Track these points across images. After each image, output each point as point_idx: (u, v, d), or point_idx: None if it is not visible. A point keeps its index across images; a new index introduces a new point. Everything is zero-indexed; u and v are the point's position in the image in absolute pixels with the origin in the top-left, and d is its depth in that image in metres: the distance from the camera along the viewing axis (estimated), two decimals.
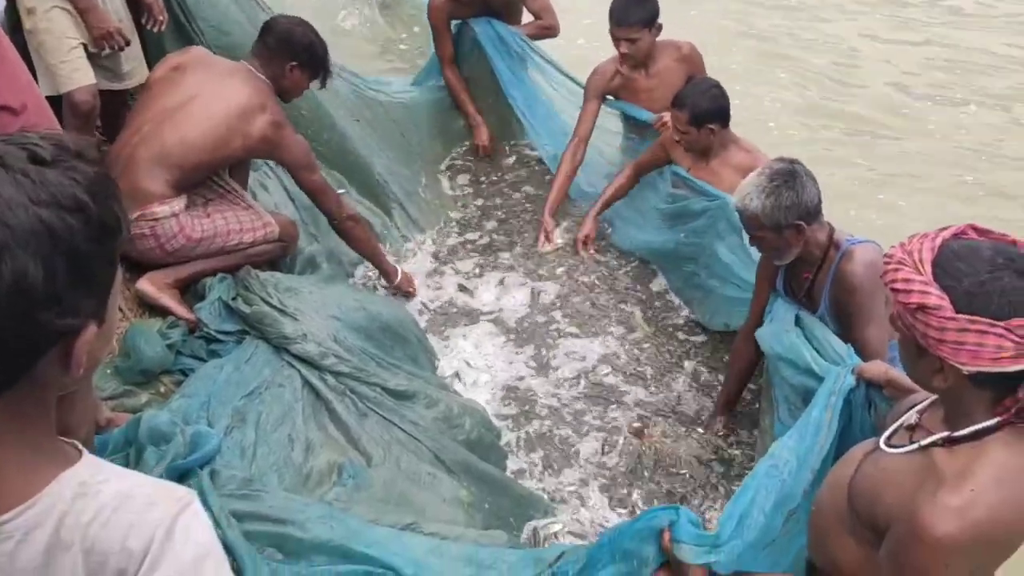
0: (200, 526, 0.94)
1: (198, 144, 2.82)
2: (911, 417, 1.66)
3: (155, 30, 3.31)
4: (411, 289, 3.58)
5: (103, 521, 0.91)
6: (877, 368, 2.04)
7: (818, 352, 2.36)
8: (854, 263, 2.47)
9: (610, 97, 4.09)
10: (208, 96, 2.88)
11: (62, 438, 0.99)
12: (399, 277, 3.50)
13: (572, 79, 4.38)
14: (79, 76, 2.95)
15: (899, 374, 1.94)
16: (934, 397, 1.63)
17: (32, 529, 0.90)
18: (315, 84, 3.21)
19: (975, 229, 1.48)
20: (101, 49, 3.06)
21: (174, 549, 0.91)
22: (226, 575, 0.95)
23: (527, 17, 4.56)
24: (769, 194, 2.46)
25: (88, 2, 2.97)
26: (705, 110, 3.34)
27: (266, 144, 2.96)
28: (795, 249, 2.55)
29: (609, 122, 4.32)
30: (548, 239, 4.01)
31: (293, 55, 3.04)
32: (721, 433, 3.07)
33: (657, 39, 3.84)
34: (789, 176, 2.48)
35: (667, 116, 3.78)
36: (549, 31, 4.45)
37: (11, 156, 0.86)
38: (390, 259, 3.56)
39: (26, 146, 0.88)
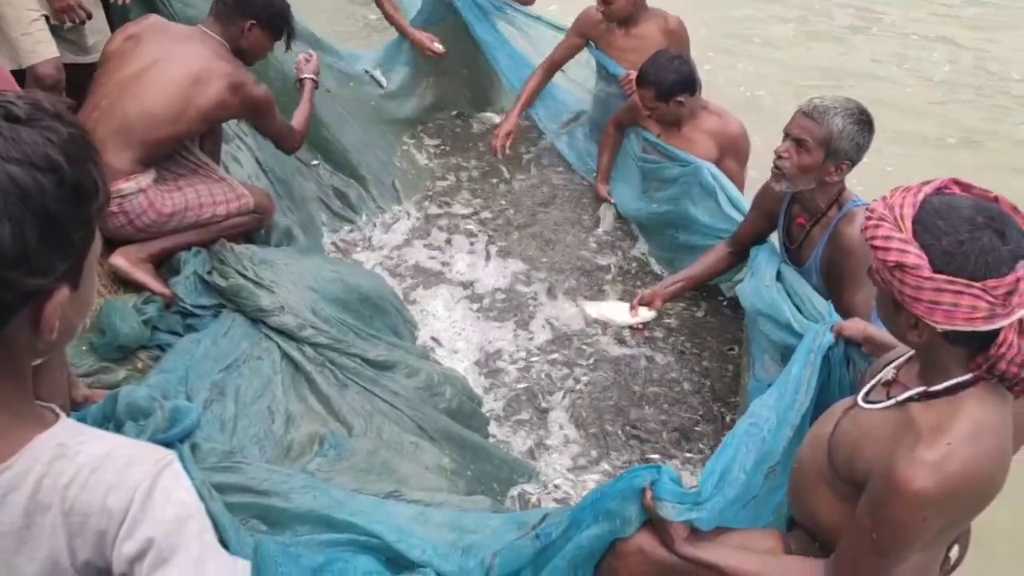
0: (181, 486, 0.95)
1: (159, 115, 2.74)
2: (888, 373, 1.68)
3: (120, 2, 3.24)
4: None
5: (82, 482, 0.91)
6: (856, 326, 2.05)
7: (798, 309, 2.37)
8: (853, 226, 2.45)
9: (591, 43, 4.09)
10: (163, 65, 2.78)
11: (39, 402, 0.98)
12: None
13: (558, 26, 4.35)
14: (42, 49, 2.89)
15: (877, 332, 1.95)
16: (911, 353, 1.65)
17: (9, 491, 0.90)
18: (279, 47, 3.10)
19: (958, 184, 1.48)
20: (62, 22, 3.00)
21: (154, 509, 0.91)
22: (210, 538, 0.95)
23: None
24: (856, 123, 2.42)
25: None
26: (671, 83, 3.35)
27: (225, 108, 2.85)
28: (816, 181, 2.52)
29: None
30: (502, 142, 4.10)
31: (250, 13, 2.93)
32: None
33: (649, 6, 3.87)
34: (871, 122, 2.46)
35: (633, 74, 3.80)
36: (525, 0, 4.43)
37: None
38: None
39: (2, 103, 0.86)
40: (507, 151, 4.12)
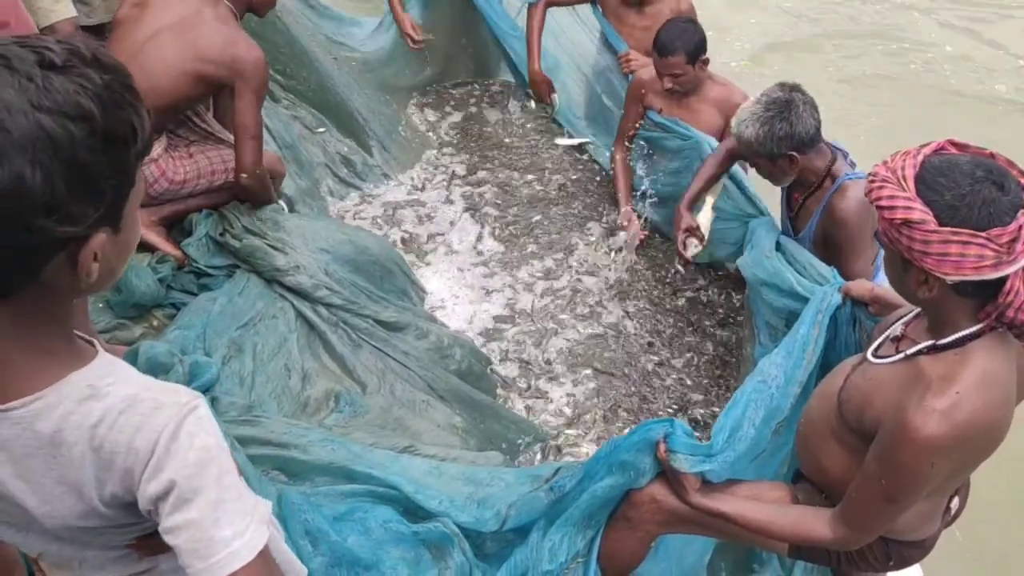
0: (204, 431, 0.98)
1: (163, 83, 2.72)
2: (897, 329, 1.74)
3: None
4: None
5: (110, 423, 0.94)
6: (863, 286, 2.11)
7: (801, 275, 2.43)
8: (847, 199, 2.51)
9: (600, 8, 4.07)
10: (167, 31, 2.77)
11: (80, 334, 1.01)
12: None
13: None
14: (61, 8, 2.89)
15: (884, 291, 2.01)
16: (918, 310, 1.71)
17: (36, 419, 0.94)
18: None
19: (954, 144, 1.54)
20: None
21: (179, 451, 0.95)
22: (231, 480, 0.98)
23: None
24: (763, 123, 2.49)
25: None
26: (698, 44, 3.35)
27: (218, 67, 2.74)
28: (790, 176, 2.60)
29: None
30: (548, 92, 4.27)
31: None
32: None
33: None
34: (785, 106, 2.50)
35: (632, 54, 3.85)
36: None
37: (19, 59, 0.84)
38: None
39: (38, 49, 0.86)
40: (555, 99, 4.28)
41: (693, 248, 3.12)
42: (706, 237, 3.13)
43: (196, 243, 2.79)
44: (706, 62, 3.42)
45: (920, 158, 1.51)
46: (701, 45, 3.37)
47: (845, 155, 2.66)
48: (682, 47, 3.33)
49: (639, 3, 3.87)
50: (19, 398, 0.93)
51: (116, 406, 0.95)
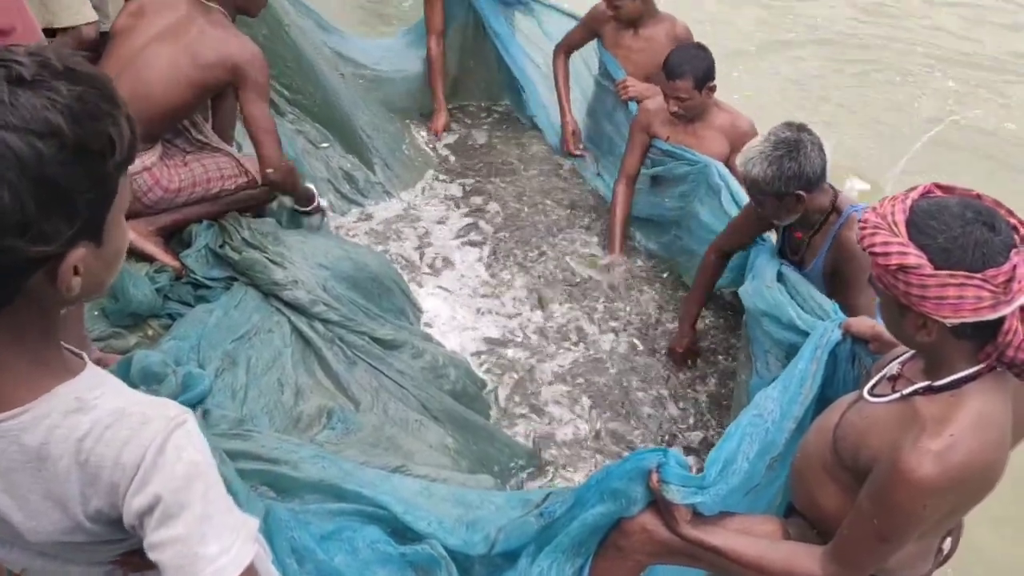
0: (192, 445, 0.96)
1: (155, 91, 2.71)
2: (893, 368, 1.73)
3: None
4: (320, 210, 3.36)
5: (97, 436, 0.93)
6: (864, 323, 2.11)
7: (801, 308, 2.42)
8: (855, 231, 2.51)
9: (599, 38, 4.14)
10: (161, 39, 2.76)
11: (68, 347, 1.01)
12: (316, 200, 3.28)
13: (572, 15, 4.40)
14: (86, 10, 2.90)
15: (885, 329, 2.01)
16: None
17: (22, 432, 0.93)
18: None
19: (939, 187, 1.55)
20: None
21: (166, 466, 0.93)
22: (217, 495, 0.97)
23: None
24: (772, 163, 2.49)
25: None
26: (707, 69, 3.38)
27: (215, 69, 2.74)
28: (794, 215, 2.61)
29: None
30: (574, 142, 4.31)
31: None
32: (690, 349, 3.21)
33: (659, 10, 3.93)
34: (793, 146, 2.50)
35: (629, 80, 3.89)
36: None
37: None
38: (322, 202, 3.39)
39: (7, 63, 0.84)
40: (579, 148, 4.30)
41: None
42: None
43: (195, 254, 2.79)
44: (713, 88, 3.44)
45: (909, 203, 1.51)
46: (709, 71, 3.40)
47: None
48: (690, 71, 3.36)
49: (634, 26, 3.93)
50: (5, 411, 0.92)
51: (103, 419, 0.94)
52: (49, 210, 0.84)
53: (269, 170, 2.85)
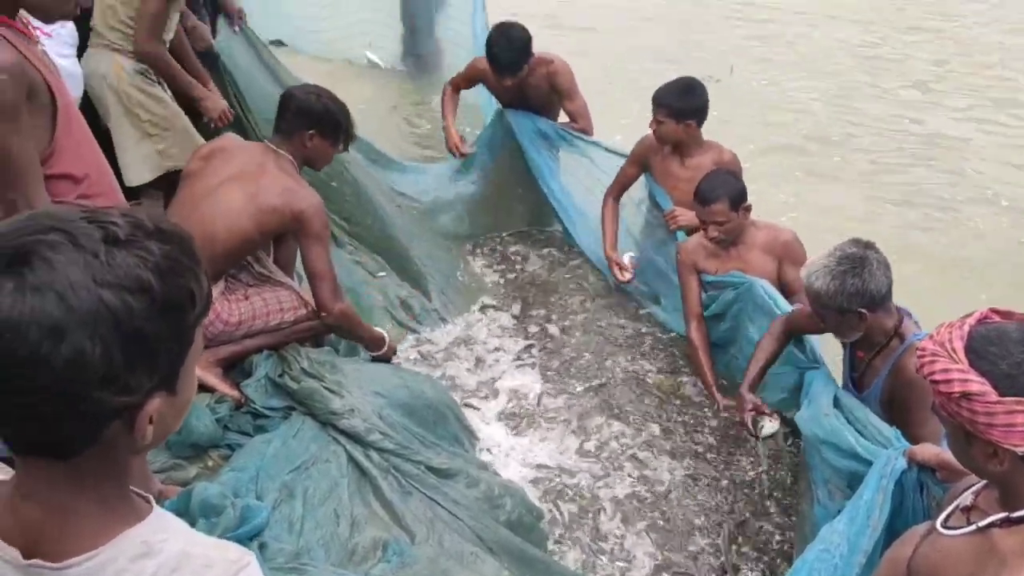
0: None
1: (221, 233, 2.85)
2: (967, 498, 1.67)
3: (211, 125, 3.52)
4: (394, 352, 3.45)
5: None
6: (930, 451, 2.05)
7: (861, 434, 2.36)
8: (915, 360, 2.46)
9: (648, 170, 4.20)
10: (228, 184, 2.92)
11: (135, 490, 1.02)
12: (387, 342, 3.35)
13: (618, 152, 4.44)
14: (147, 175, 3.15)
15: (952, 456, 1.94)
16: None
17: None
18: (339, 148, 3.22)
19: (997, 312, 1.52)
20: (216, 126, 3.30)
21: None
22: None
23: (562, 117, 4.68)
24: (835, 277, 2.48)
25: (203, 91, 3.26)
26: (740, 191, 3.43)
27: (277, 215, 2.90)
28: (857, 333, 2.57)
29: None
30: (621, 270, 4.24)
31: (311, 124, 3.06)
32: (746, 410, 3.05)
33: (706, 139, 3.99)
34: (858, 262, 2.49)
35: (678, 210, 3.92)
36: (583, 133, 4.59)
37: (85, 235, 0.87)
38: (384, 330, 3.44)
39: (104, 224, 0.89)
40: (626, 276, 4.27)
41: (769, 428, 2.99)
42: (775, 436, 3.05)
43: (255, 384, 2.85)
44: (748, 209, 3.48)
45: (966, 329, 1.49)
46: (742, 193, 3.46)
47: (909, 315, 2.63)
48: (724, 194, 3.41)
49: (680, 155, 4.00)
50: (75, 556, 0.94)
51: (168, 563, 0.95)
52: (135, 363, 0.88)
53: (324, 314, 2.99)
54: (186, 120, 3.52)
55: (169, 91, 3.48)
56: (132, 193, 3.29)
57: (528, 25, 4.38)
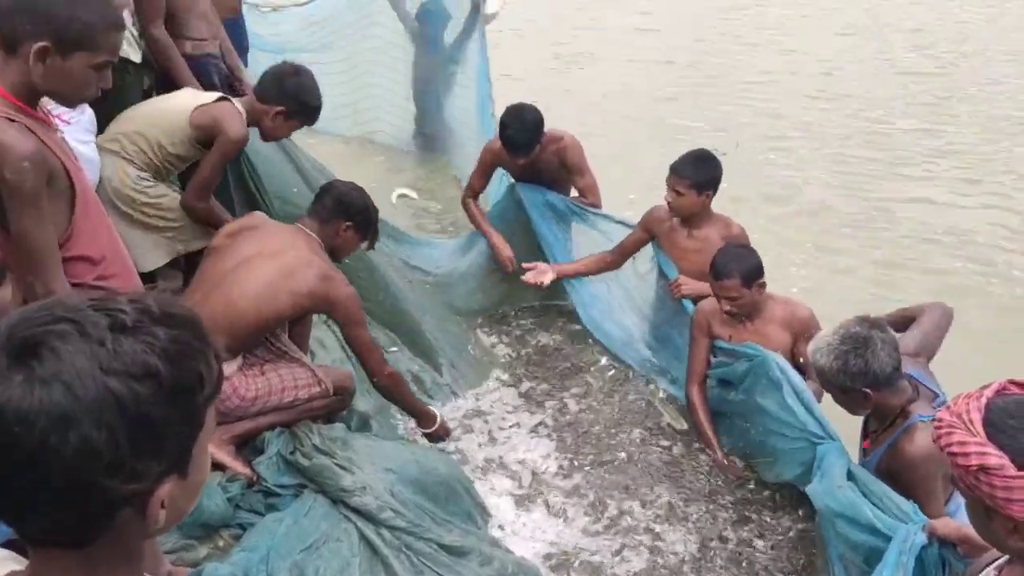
0: None
1: (247, 310, 2.87)
2: (989, 574, 1.64)
3: None
4: (447, 431, 3.54)
5: None
6: (949, 525, 2.01)
7: (878, 507, 2.33)
8: (913, 443, 2.43)
9: (655, 240, 4.22)
10: (256, 260, 2.95)
11: (148, 575, 1.02)
12: (438, 420, 3.43)
13: (627, 224, 4.46)
14: (159, 260, 3.23)
15: (974, 531, 1.91)
16: None
17: None
18: (363, 245, 3.34)
19: (1015, 384, 1.51)
20: None
21: None
22: None
23: (572, 193, 4.72)
24: (837, 357, 2.47)
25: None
26: (753, 267, 3.43)
27: (313, 299, 2.96)
28: (864, 410, 2.55)
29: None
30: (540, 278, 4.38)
31: (349, 216, 3.16)
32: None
33: (714, 211, 4.01)
34: (862, 342, 2.47)
35: (682, 279, 3.94)
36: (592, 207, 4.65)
37: (92, 324, 0.88)
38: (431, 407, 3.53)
39: (111, 312, 0.90)
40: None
41: None
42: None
43: (267, 461, 2.83)
44: (763, 285, 3.47)
45: (984, 400, 1.48)
46: (757, 268, 3.45)
47: (930, 387, 2.60)
48: (737, 270, 3.41)
49: (688, 226, 4.02)
50: None
51: None
52: (142, 449, 0.88)
53: (375, 379, 3.18)
54: None
55: (177, 184, 3.51)
56: (150, 274, 3.33)
57: (543, 100, 4.46)
